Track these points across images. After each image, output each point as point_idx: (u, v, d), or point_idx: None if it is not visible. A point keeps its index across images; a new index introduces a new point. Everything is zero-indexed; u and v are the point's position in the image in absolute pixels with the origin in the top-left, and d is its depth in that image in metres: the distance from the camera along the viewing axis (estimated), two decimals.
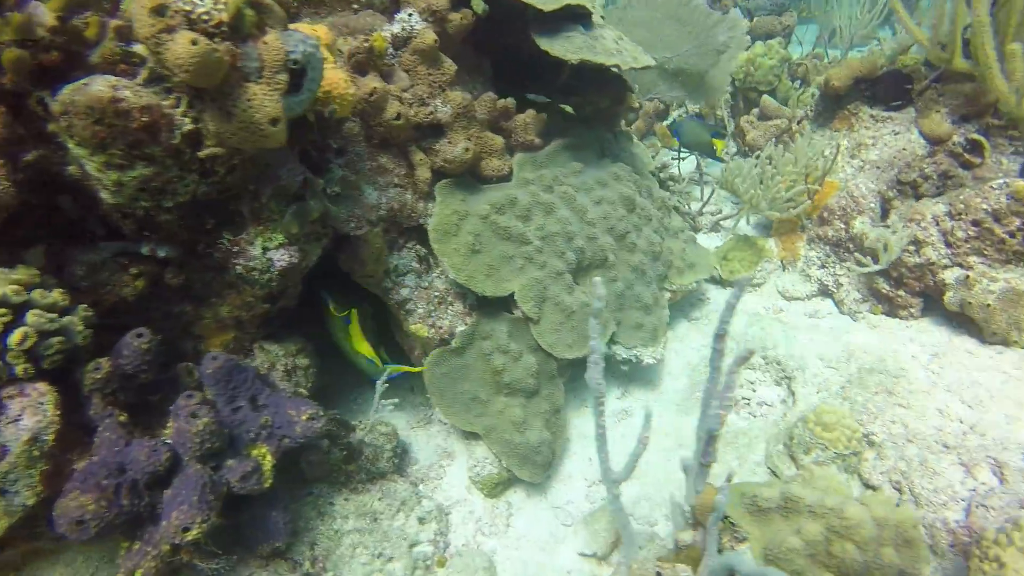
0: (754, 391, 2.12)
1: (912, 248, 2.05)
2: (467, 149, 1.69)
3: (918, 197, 2.40)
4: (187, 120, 1.15)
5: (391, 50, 1.64)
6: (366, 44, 1.52)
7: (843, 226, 2.38)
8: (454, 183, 1.76)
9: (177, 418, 1.21)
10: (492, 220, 1.75)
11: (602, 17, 2.09)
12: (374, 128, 1.60)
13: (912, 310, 2.10)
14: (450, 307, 1.78)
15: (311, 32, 1.27)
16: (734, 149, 3.45)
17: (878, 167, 2.44)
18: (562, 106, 2.35)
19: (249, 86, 1.11)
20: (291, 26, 1.30)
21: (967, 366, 1.87)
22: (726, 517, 1.14)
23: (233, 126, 1.12)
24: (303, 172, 1.41)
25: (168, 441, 1.22)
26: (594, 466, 1.93)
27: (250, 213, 1.39)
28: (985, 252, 1.93)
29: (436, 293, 1.78)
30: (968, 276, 1.92)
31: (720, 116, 3.84)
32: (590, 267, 1.90)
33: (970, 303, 1.90)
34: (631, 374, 2.12)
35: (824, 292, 2.43)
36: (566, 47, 1.77)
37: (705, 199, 2.92)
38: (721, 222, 2.90)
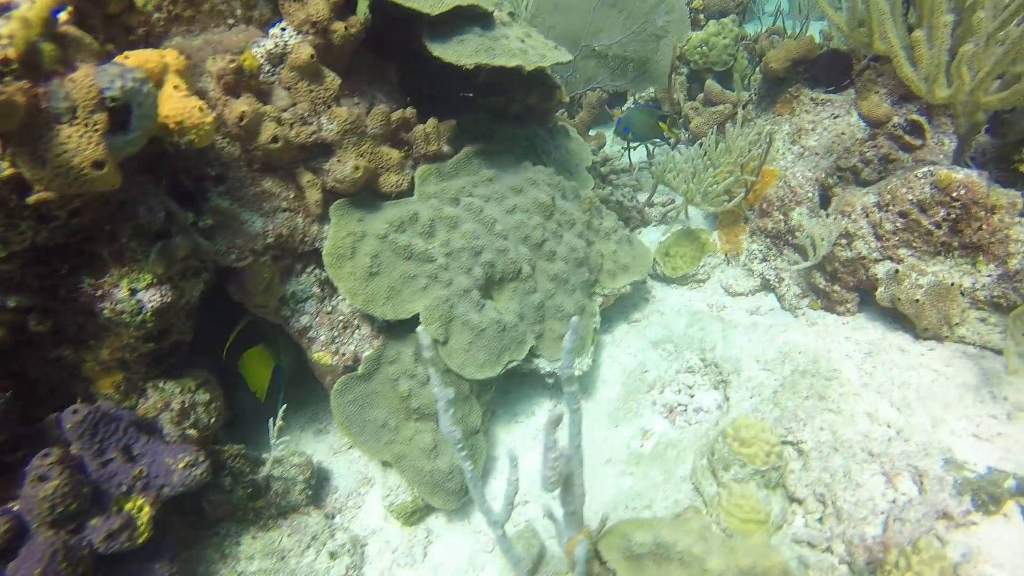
0: (692, 396, 2.06)
1: (844, 242, 1.97)
2: (357, 168, 1.60)
3: (860, 183, 2.32)
4: (3, 166, 1.07)
5: (268, 67, 1.55)
6: (233, 64, 1.43)
7: (782, 217, 2.30)
8: (350, 203, 1.68)
9: (23, 482, 1.15)
10: (391, 239, 1.67)
11: (511, 14, 1.99)
12: (253, 152, 1.52)
13: (848, 305, 2.03)
14: (356, 331, 1.71)
15: (146, 61, 1.18)
16: (686, 135, 3.35)
17: (817, 153, 2.36)
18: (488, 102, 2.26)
19: (61, 128, 1.03)
20: (129, 54, 1.21)
21: (899, 364, 1.80)
22: (604, 561, 1.08)
23: (48, 172, 1.04)
24: (166, 207, 1.33)
25: (14, 508, 1.15)
26: (527, 481, 1.87)
27: (110, 255, 1.31)
28: (914, 244, 1.85)
29: (341, 318, 1.70)
30: (898, 270, 1.85)
31: (677, 100, 3.74)
32: (504, 280, 1.82)
33: (900, 298, 1.82)
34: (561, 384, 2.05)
35: (767, 287, 2.36)
36: (459, 51, 1.68)
37: (652, 191, 2.84)
38: (669, 214, 2.82)
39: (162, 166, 1.36)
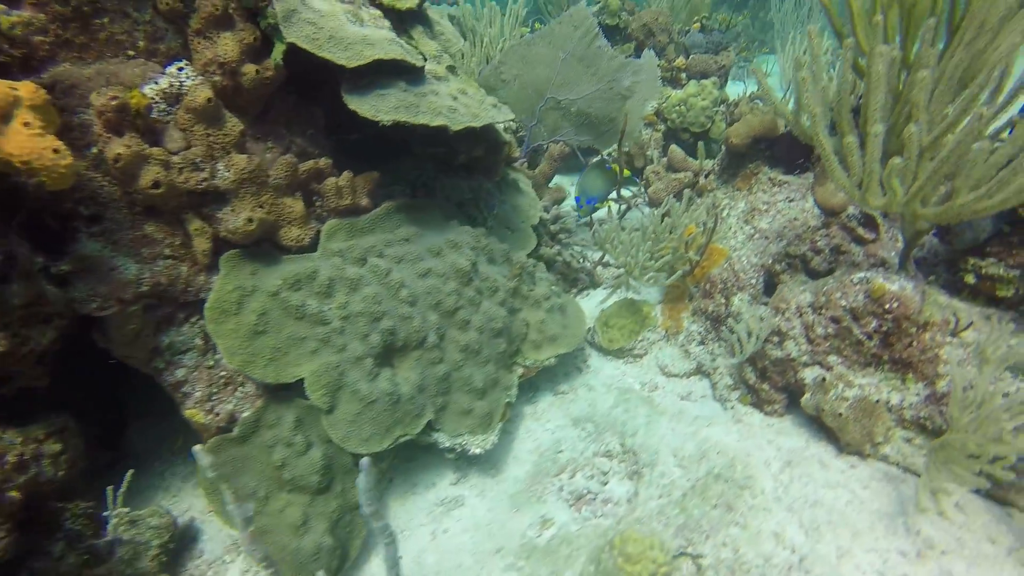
0: (605, 484, 1.94)
1: (776, 340, 1.87)
2: (250, 220, 1.50)
3: (809, 272, 2.23)
4: None
5: (164, 106, 1.46)
6: (115, 102, 1.33)
7: (724, 301, 2.21)
8: (245, 254, 1.58)
9: None
10: (283, 297, 1.57)
11: (451, 68, 1.91)
12: (134, 195, 1.42)
13: (776, 406, 1.92)
14: (239, 389, 1.60)
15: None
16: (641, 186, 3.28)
17: (767, 237, 2.27)
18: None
19: None
20: None
21: (816, 480, 1.69)
22: None
23: None
24: (7, 250, 1.22)
25: None
26: (407, 563, 1.74)
27: None
28: (844, 353, 1.75)
29: (223, 373, 1.59)
30: (825, 378, 1.74)
31: (650, 157, 3.67)
32: (407, 349, 1.71)
33: (824, 410, 1.72)
34: (470, 457, 1.93)
35: (702, 371, 2.25)
36: (377, 106, 1.59)
37: (600, 255, 2.74)
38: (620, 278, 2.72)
39: (15, 204, 1.26)
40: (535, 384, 2.29)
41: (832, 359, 1.76)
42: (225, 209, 1.52)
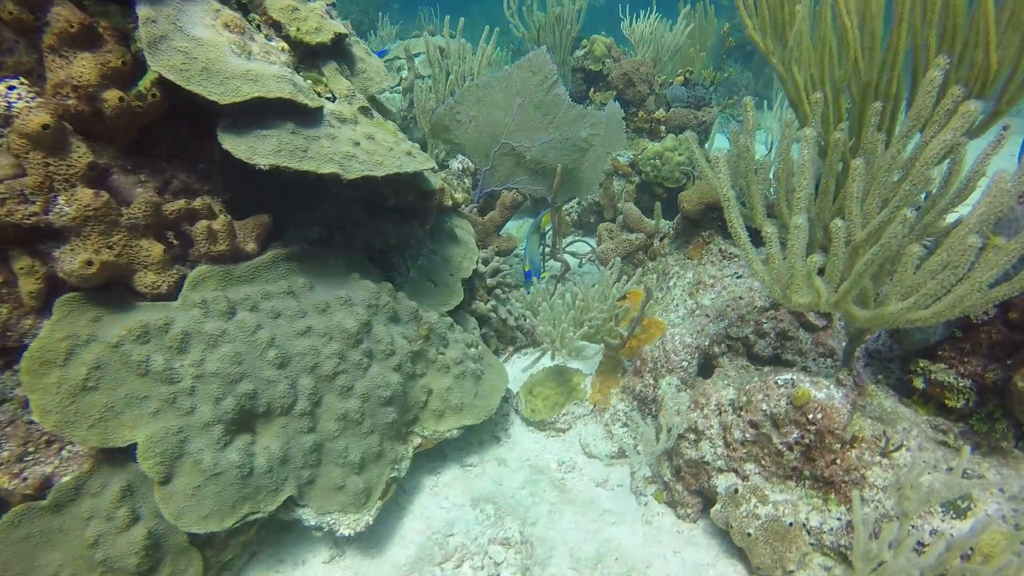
0: None
1: (692, 438, 1.67)
2: (90, 263, 1.33)
3: (751, 357, 2.04)
4: None
5: None
6: None
7: (652, 382, 2.01)
8: (87, 299, 1.41)
9: None
10: (125, 350, 1.39)
11: (364, 109, 1.76)
12: None
13: (689, 510, 1.72)
14: (64, 449, 1.41)
15: None
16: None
17: (708, 315, 2.08)
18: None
19: None
20: None
21: None
22: None
23: None
24: None
25: None
26: None
27: None
28: (762, 462, 1.55)
29: (45, 430, 1.41)
30: (737, 489, 1.54)
31: (620, 209, 3.51)
32: (270, 415, 1.53)
33: (732, 526, 1.51)
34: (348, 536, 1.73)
35: (624, 456, 2.05)
36: (255, 147, 1.43)
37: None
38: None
39: None
40: (444, 453, 2.10)
41: (749, 467, 1.56)
42: (64, 248, 1.35)
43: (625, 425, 2.06)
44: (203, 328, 1.46)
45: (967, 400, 1.65)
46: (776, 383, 1.53)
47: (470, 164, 2.82)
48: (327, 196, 2.06)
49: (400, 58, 5.15)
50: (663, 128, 3.69)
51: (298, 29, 1.65)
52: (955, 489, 1.20)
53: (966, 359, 1.65)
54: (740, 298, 2.09)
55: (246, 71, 1.42)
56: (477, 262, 2.47)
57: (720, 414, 1.62)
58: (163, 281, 1.46)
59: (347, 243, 2.08)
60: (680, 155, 3.47)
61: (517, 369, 2.50)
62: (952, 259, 1.19)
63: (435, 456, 2.08)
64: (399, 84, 3.13)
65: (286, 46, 1.65)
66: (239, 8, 1.59)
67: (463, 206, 2.90)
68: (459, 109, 2.69)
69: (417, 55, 5.25)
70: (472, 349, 2.10)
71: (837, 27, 1.61)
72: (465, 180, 3.10)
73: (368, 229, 2.15)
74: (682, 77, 3.68)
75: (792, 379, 1.52)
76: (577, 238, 3.38)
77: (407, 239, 2.24)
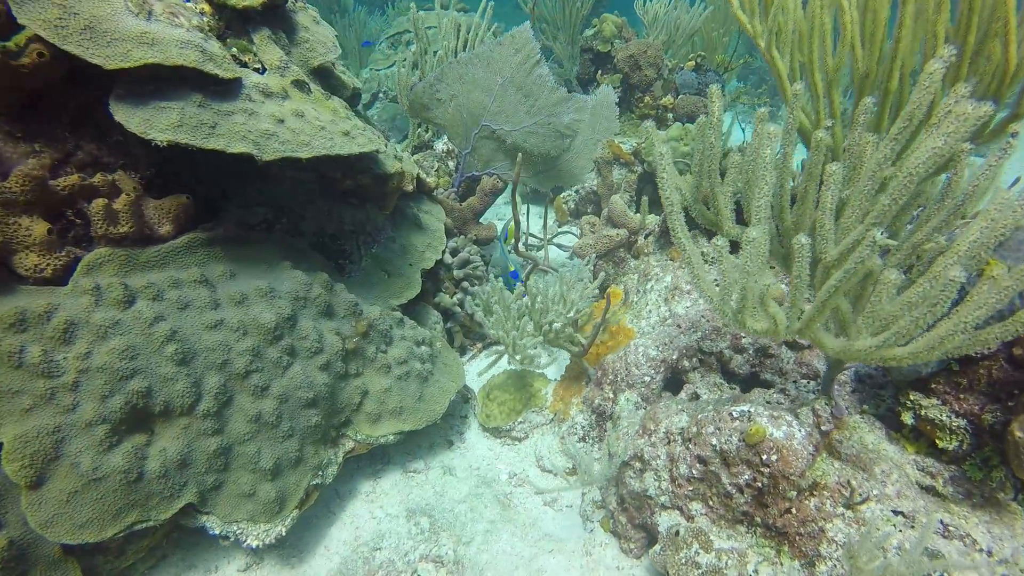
0: None
1: (638, 467, 1.50)
2: None
3: (726, 374, 1.86)
4: None
5: None
6: None
7: (612, 396, 1.84)
8: None
9: None
10: None
11: (298, 82, 1.59)
12: None
13: (632, 544, 1.55)
14: None
15: None
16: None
17: (679, 325, 1.89)
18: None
19: None
20: None
21: None
22: None
23: None
24: None
25: None
26: None
27: None
28: (710, 502, 1.37)
29: None
30: (679, 531, 1.37)
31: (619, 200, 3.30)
32: (169, 415, 1.39)
33: (669, 573, 1.34)
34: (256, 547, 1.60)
35: (576, 473, 1.88)
36: (151, 121, 1.27)
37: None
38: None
39: None
40: (388, 456, 1.96)
41: (695, 507, 1.39)
42: None
43: (582, 440, 1.89)
44: (92, 318, 1.33)
45: (961, 442, 1.45)
46: (730, 415, 1.34)
47: (449, 147, 2.64)
48: (277, 175, 1.91)
49: (410, 31, 4.95)
50: (671, 116, 3.45)
51: None
52: (917, 569, 1.01)
53: (962, 396, 1.44)
54: None
55: (141, 33, 1.26)
56: (444, 252, 2.31)
57: (669, 443, 1.44)
58: (47, 264, 1.33)
59: (294, 227, 1.94)
60: (686, 145, 3.24)
61: (482, 367, 2.34)
62: (932, 293, 0.99)
63: (378, 458, 1.94)
64: (405, 60, 2.94)
65: (207, 8, 1.48)
66: None
67: (440, 190, 2.73)
68: (439, 87, 2.51)
69: (430, 28, 5.06)
70: (423, 347, 1.94)
71: (832, 7, 1.39)
72: (449, 163, 2.92)
73: (320, 212, 1.99)
74: (693, 62, 3.43)
75: (748, 411, 1.33)
76: (566, 229, 3.19)
77: (363, 225, 2.08)
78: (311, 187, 1.99)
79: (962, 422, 1.43)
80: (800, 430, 1.30)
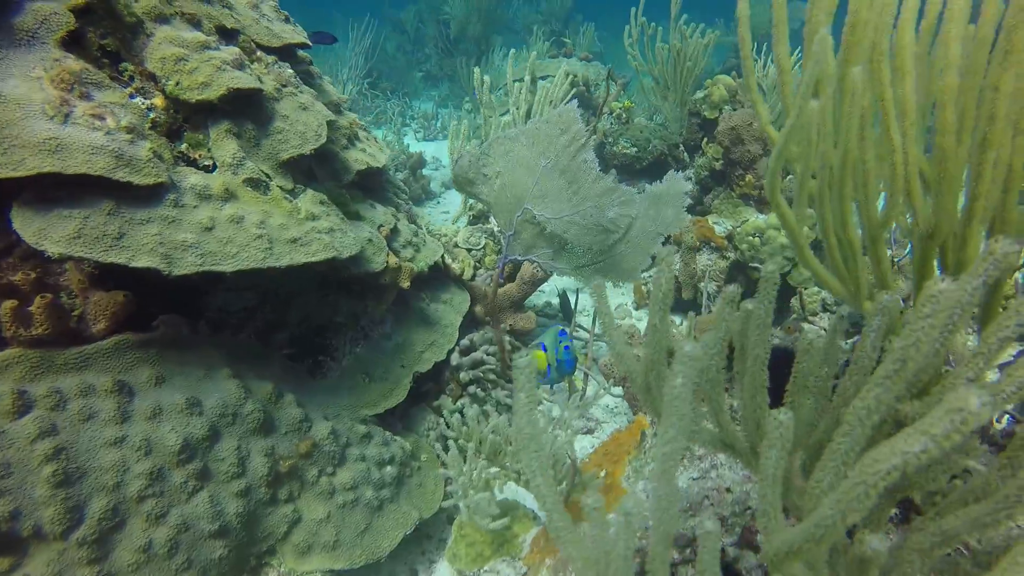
0: None
1: None
2: None
3: (728, 574, 1.44)
4: None
5: None
6: None
7: None
8: None
9: None
10: None
11: (251, 182, 1.46)
12: None
13: None
14: None
15: None
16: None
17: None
18: None
19: None
20: None
21: None
22: None
23: None
24: None
25: None
26: None
27: None
28: None
29: None
30: None
31: (703, 290, 2.89)
32: (40, 539, 1.30)
33: None
34: None
35: None
36: (47, 231, 1.20)
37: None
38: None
39: None
40: None
41: None
42: None
43: None
44: None
45: None
46: None
47: (494, 227, 2.43)
48: None
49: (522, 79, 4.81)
50: (686, 215, 2.97)
51: (176, 84, 1.40)
52: None
53: None
54: (728, 490, 1.48)
55: (47, 139, 1.19)
56: (452, 351, 2.09)
57: None
58: None
59: (279, 317, 1.83)
60: (782, 236, 2.75)
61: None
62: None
63: None
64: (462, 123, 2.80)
65: (160, 103, 1.40)
66: (107, 56, 1.37)
67: (483, 272, 2.52)
68: (486, 162, 2.31)
69: (544, 78, 4.90)
70: (387, 469, 1.73)
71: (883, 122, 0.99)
72: (501, 243, 2.71)
73: (309, 302, 1.87)
74: None
75: None
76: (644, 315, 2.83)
77: (357, 318, 1.92)
78: (310, 273, 1.87)
79: None
80: None
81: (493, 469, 1.68)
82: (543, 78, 4.75)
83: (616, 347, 0.97)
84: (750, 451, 1.05)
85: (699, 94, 3.43)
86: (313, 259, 1.45)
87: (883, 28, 0.97)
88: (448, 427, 1.72)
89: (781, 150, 0.96)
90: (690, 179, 3.49)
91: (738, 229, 2.93)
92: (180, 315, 1.61)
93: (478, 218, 2.82)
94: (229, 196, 1.42)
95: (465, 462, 1.63)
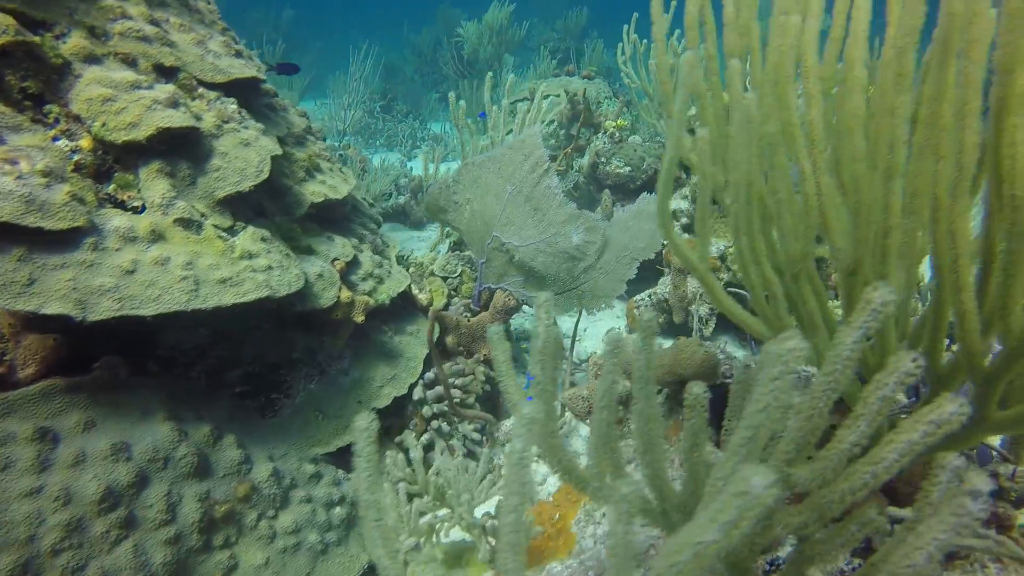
0: None
1: None
2: None
3: None
4: None
5: None
6: None
7: None
8: None
9: None
10: None
11: (183, 221, 1.44)
12: None
13: None
14: None
15: None
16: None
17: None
18: None
19: None
20: None
21: None
22: None
23: None
24: None
25: None
26: None
27: None
28: None
29: None
30: None
31: (694, 314, 2.79)
32: None
33: None
34: None
35: None
36: None
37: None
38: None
39: None
40: None
41: None
42: None
43: None
44: None
45: None
46: None
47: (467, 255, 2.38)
48: None
49: (527, 99, 4.79)
50: (657, 242, 2.86)
51: (103, 125, 1.38)
52: None
53: None
54: None
55: None
56: (415, 385, 2.03)
57: None
58: None
59: (233, 354, 1.80)
60: None
61: None
62: None
63: None
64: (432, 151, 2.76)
65: (87, 144, 1.39)
66: (29, 99, 1.37)
67: (457, 302, 2.47)
68: (456, 189, 2.27)
69: (547, 97, 4.86)
70: (336, 510, 1.68)
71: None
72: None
73: (265, 339, 1.84)
74: None
75: None
76: None
77: (314, 354, 1.89)
78: (258, 310, 1.84)
79: None
80: None
81: (442, 512, 1.61)
82: (545, 98, 4.70)
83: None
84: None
85: (692, 111, 3.34)
86: (244, 299, 1.42)
87: (786, 51, 0.89)
88: (395, 466, 1.66)
89: (666, 179, 0.89)
90: (686, 197, 3.39)
91: (731, 249, 2.82)
92: (132, 354, 1.60)
93: (458, 245, 2.78)
94: (156, 237, 1.40)
95: (409, 503, 1.56)
